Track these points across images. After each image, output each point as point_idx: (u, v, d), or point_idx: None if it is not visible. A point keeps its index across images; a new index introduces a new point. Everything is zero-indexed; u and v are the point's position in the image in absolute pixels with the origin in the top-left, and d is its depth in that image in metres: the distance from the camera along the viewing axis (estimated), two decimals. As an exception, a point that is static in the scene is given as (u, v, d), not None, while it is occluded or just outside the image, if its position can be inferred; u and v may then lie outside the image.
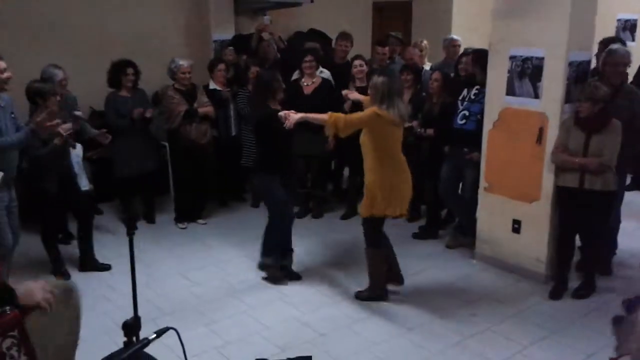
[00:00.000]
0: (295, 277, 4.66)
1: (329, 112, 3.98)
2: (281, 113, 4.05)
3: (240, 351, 3.70)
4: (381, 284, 4.29)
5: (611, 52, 4.40)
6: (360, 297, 4.32)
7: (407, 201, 4.13)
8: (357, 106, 4.42)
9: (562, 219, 4.42)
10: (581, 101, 4.07)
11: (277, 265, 4.63)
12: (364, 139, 4.03)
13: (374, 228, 4.16)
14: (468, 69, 5.29)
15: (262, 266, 4.74)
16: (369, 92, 4.11)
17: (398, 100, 3.97)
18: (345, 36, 6.33)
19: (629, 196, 5.19)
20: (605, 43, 5.08)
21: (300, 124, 4.07)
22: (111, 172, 5.71)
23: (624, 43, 5.32)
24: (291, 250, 4.70)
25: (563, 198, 4.34)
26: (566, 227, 4.38)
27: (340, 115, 3.95)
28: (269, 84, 4.51)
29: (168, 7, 6.88)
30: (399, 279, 4.37)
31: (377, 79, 3.96)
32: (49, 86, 4.42)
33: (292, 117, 3.96)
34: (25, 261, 4.79)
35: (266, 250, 4.65)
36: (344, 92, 4.80)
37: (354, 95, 4.72)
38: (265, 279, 4.64)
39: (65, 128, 4.29)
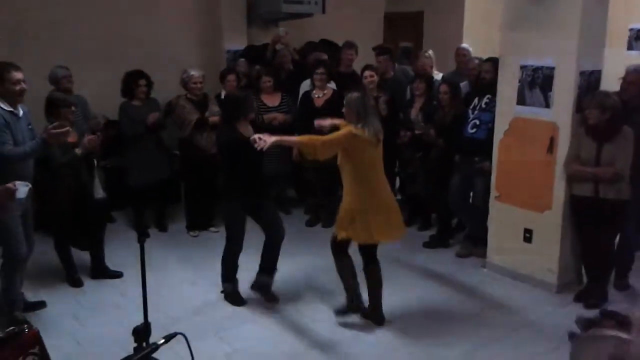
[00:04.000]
0: (272, 298, 4.48)
1: (306, 135, 3.85)
2: (254, 137, 3.78)
3: (249, 359, 3.71)
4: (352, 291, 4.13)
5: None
6: (340, 312, 4.15)
7: (385, 229, 3.90)
8: (337, 129, 4.13)
9: (577, 227, 4.42)
10: (590, 109, 4.06)
11: (236, 290, 4.50)
12: (341, 161, 3.90)
13: (341, 245, 3.98)
14: (487, 76, 5.14)
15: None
16: (343, 110, 3.92)
17: (373, 118, 3.85)
18: (350, 45, 6.42)
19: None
20: None
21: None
22: (124, 180, 5.78)
23: None
24: (275, 269, 4.54)
25: (577, 207, 4.33)
26: (583, 235, 4.38)
27: (316, 137, 3.80)
28: (239, 104, 4.32)
29: (181, 18, 6.97)
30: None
31: (351, 97, 3.84)
32: (62, 97, 4.49)
33: (267, 140, 3.72)
34: (39, 268, 4.85)
35: (224, 277, 4.53)
36: (316, 122, 4.41)
37: (327, 122, 4.35)
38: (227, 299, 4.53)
39: (90, 140, 4.38)
